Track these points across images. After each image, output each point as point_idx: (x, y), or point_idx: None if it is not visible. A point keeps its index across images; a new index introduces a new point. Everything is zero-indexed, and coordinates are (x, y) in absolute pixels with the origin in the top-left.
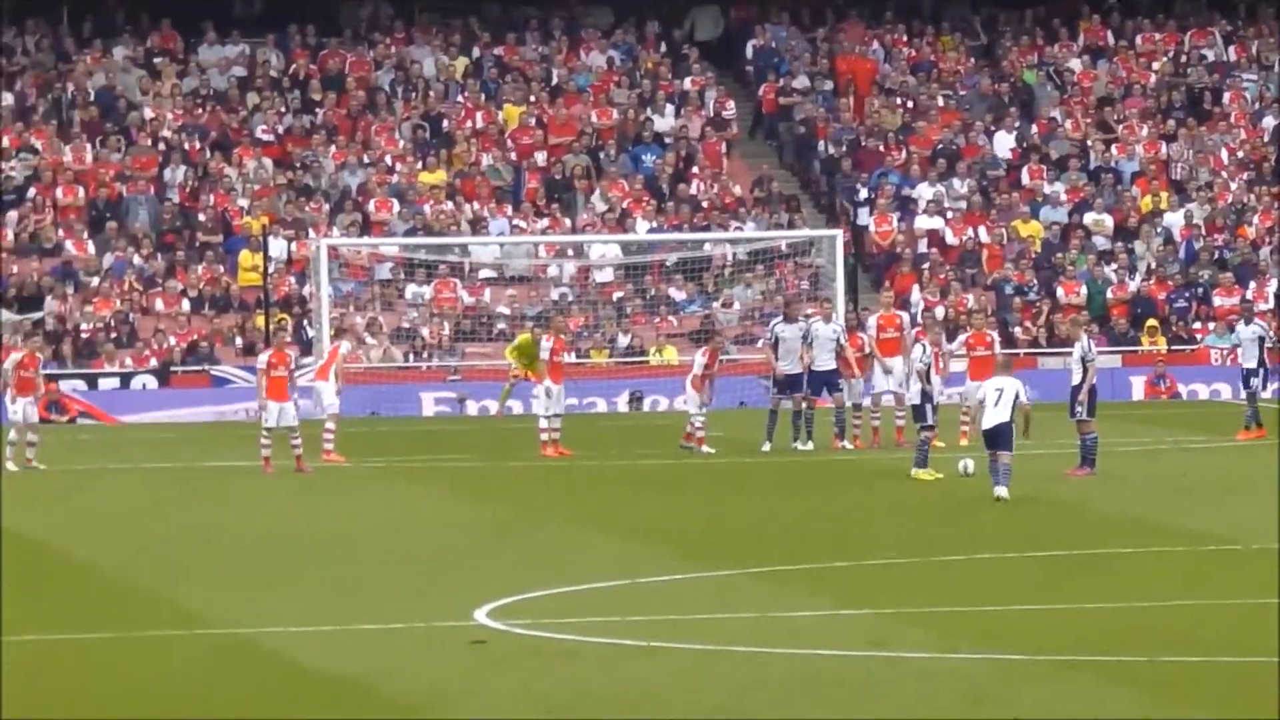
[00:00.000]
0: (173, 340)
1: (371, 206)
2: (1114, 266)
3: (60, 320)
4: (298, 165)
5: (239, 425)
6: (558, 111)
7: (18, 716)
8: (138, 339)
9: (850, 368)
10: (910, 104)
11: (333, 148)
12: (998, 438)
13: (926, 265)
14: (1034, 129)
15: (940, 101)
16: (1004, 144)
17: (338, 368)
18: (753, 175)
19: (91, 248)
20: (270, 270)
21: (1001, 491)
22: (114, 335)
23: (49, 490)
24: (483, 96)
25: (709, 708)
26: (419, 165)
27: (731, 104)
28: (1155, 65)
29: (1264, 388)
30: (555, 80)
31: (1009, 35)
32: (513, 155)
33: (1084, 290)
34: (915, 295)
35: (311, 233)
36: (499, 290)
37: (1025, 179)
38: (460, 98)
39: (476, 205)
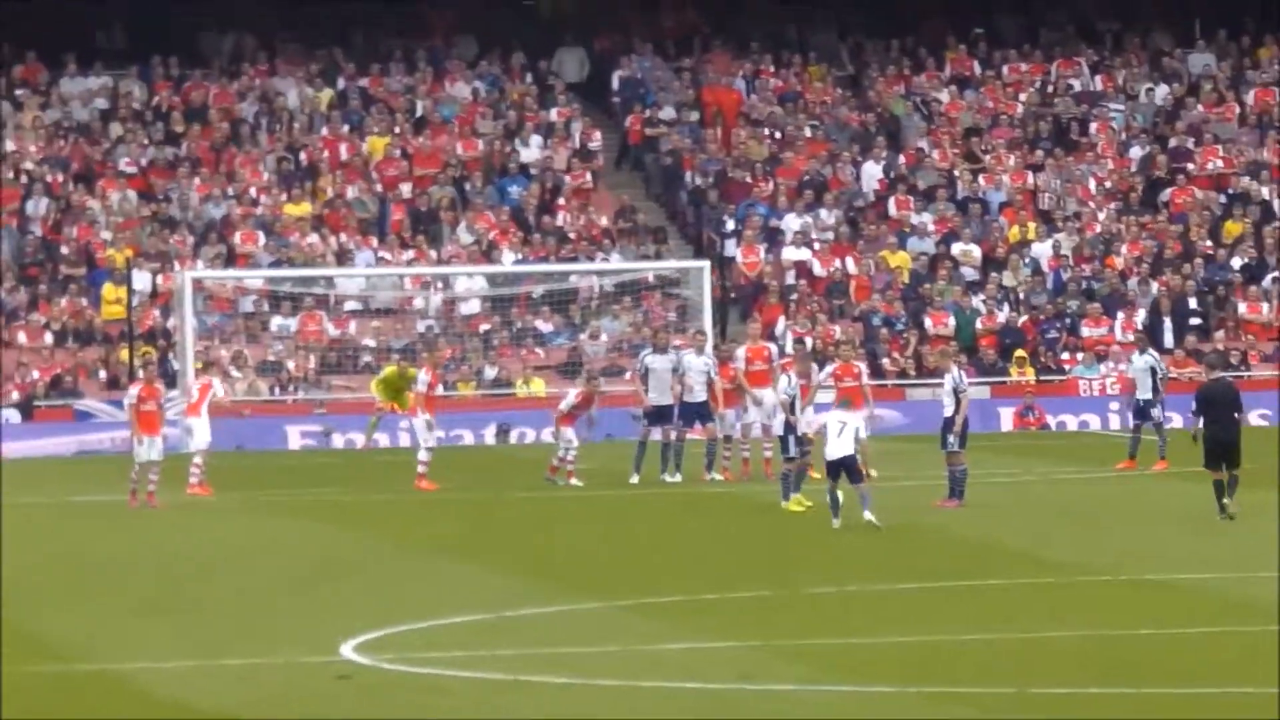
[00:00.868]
0: (36, 374)
1: (236, 239)
2: (982, 297)
3: None
4: (161, 197)
5: (103, 459)
6: (423, 143)
7: None
8: (0, 372)
9: (718, 400)
10: (777, 134)
11: (197, 180)
12: (844, 469)
13: (794, 296)
14: (901, 159)
15: (808, 132)
16: (871, 174)
17: (209, 403)
18: (619, 206)
19: None
20: (134, 303)
21: (870, 516)
22: None
23: None
24: (347, 128)
25: None
26: (284, 197)
27: (598, 135)
28: (1022, 95)
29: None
30: (420, 111)
31: (876, 65)
32: (378, 187)
33: (952, 321)
34: (782, 326)
35: (176, 265)
36: (365, 322)
37: (893, 209)
38: (325, 129)
39: (342, 237)
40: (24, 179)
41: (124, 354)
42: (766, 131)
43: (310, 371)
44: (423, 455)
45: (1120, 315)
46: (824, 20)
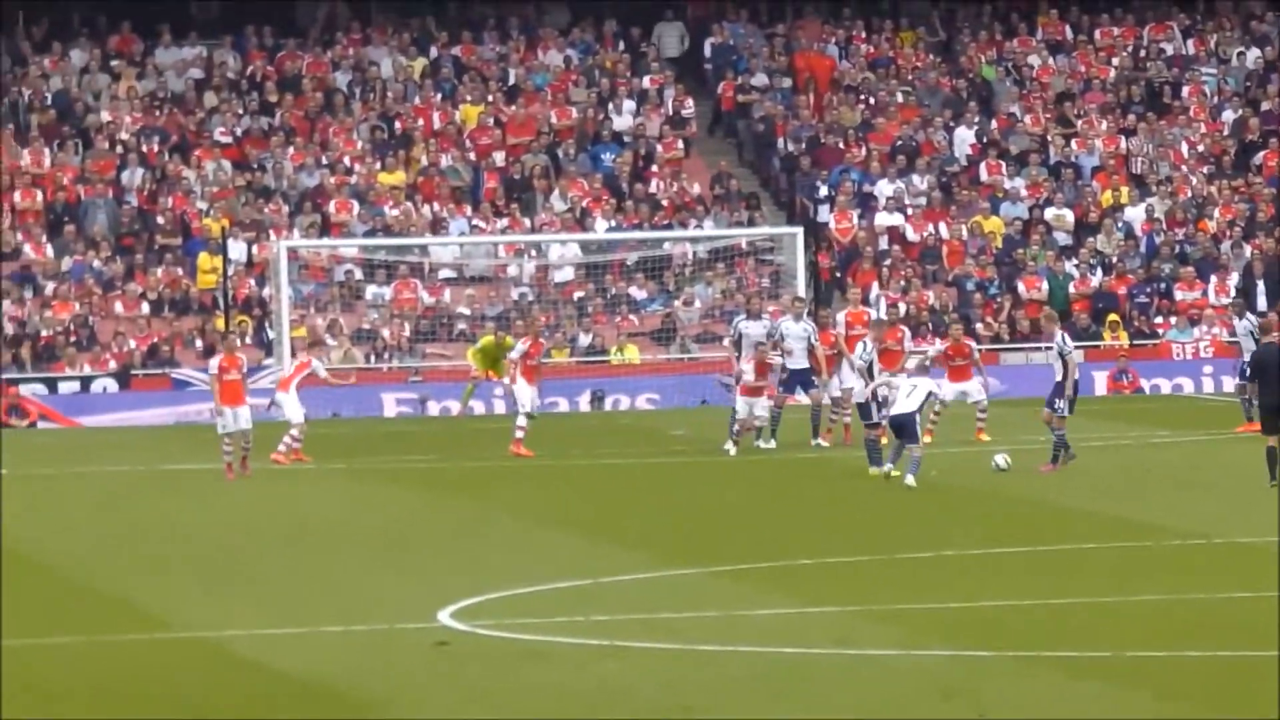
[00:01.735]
0: (132, 343)
1: (331, 208)
2: (1075, 262)
3: (19, 324)
4: (256, 167)
5: (199, 427)
6: (516, 111)
7: None
8: (97, 342)
9: (821, 366)
10: (870, 100)
11: (291, 149)
12: (902, 428)
13: (887, 262)
14: (993, 124)
15: (899, 98)
16: (964, 139)
17: (301, 381)
18: (711, 173)
19: (50, 251)
20: (229, 272)
21: (911, 480)
22: (73, 339)
23: (9, 494)
24: (440, 97)
25: (675, 707)
26: (378, 166)
27: (690, 102)
28: (1114, 60)
29: None
30: (513, 80)
31: (967, 31)
32: (471, 155)
33: (1045, 285)
34: (875, 291)
35: (271, 234)
36: (459, 290)
37: (985, 175)
38: (418, 98)
39: (436, 206)
40: (120, 149)
41: (220, 323)
42: (858, 97)
43: (405, 339)
44: (521, 421)
45: (1213, 279)
46: None
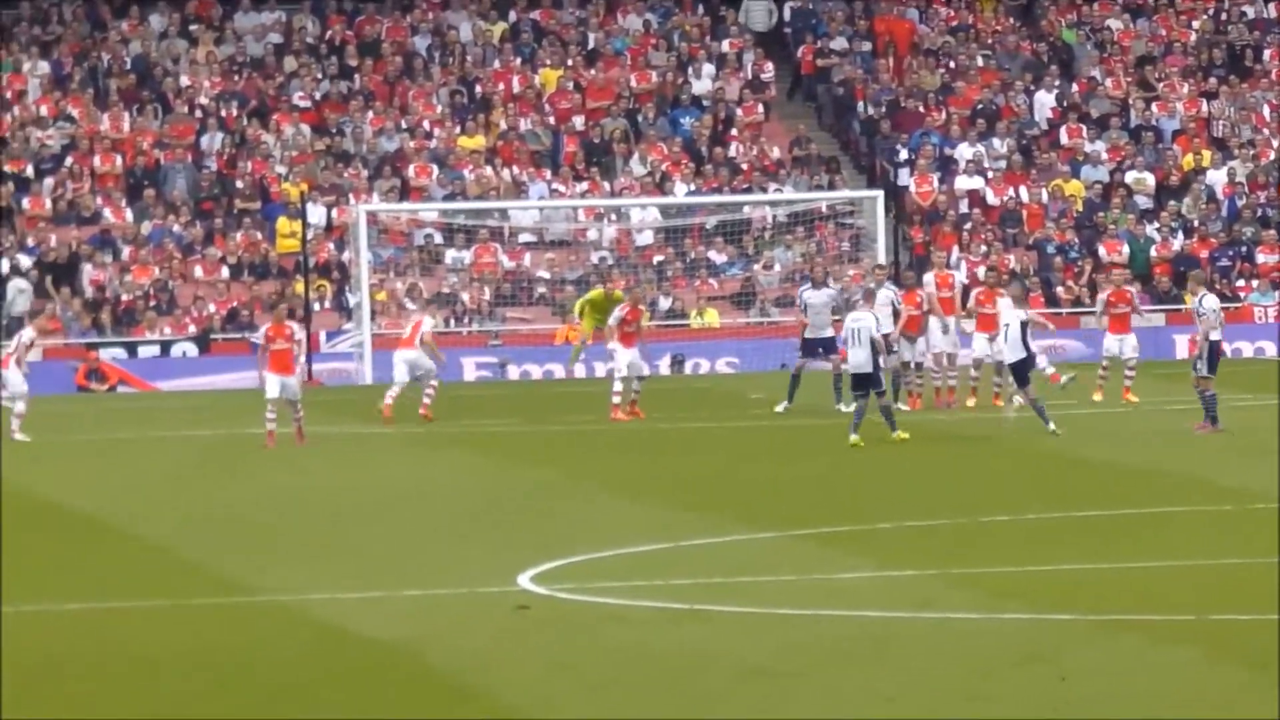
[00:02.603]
0: (212, 307)
1: (410, 172)
2: (1156, 225)
3: (99, 288)
4: (335, 131)
5: None
6: (595, 75)
7: (72, 682)
8: (177, 306)
9: (913, 327)
10: (949, 64)
11: (370, 113)
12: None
13: (968, 225)
14: (1074, 88)
15: (979, 61)
16: (1044, 103)
17: (423, 338)
18: (791, 137)
19: (130, 215)
20: (309, 237)
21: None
22: (153, 303)
23: (90, 459)
24: (519, 60)
25: (756, 670)
26: (457, 130)
27: (770, 66)
28: (1195, 23)
29: None
30: (592, 44)
31: None
32: (551, 119)
33: (1126, 249)
34: (956, 255)
35: (350, 199)
36: (539, 254)
37: (1065, 138)
38: (497, 62)
39: (515, 169)
40: (199, 114)
41: (299, 287)
42: (938, 61)
43: (484, 303)
44: (617, 386)
45: None
46: None
